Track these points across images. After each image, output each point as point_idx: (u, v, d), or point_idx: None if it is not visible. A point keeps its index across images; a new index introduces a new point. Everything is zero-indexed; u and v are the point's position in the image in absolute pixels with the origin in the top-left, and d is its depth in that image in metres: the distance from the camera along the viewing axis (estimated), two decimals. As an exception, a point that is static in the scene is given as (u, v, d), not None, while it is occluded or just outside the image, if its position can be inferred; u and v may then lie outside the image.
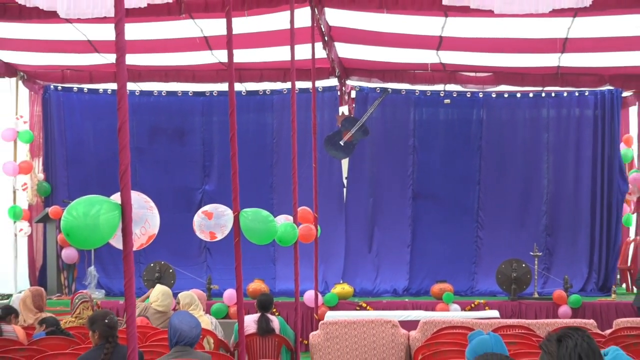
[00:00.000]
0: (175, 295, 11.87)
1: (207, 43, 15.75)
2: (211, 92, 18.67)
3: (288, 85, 15.18)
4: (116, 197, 4.98)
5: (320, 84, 17.18)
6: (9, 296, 16.38)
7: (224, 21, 8.97)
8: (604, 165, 18.36)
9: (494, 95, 18.74)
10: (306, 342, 12.71)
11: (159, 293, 11.29)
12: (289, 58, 12.04)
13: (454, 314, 14.82)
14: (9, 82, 18.28)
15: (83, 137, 18.84)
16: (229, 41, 8.94)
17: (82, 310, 10.95)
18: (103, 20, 12.71)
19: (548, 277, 17.78)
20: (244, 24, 13.71)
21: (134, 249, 5.04)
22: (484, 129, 18.64)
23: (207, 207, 9.18)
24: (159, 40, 15.57)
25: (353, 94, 18.63)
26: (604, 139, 18.35)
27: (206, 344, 9.69)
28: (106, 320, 7.34)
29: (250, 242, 9.04)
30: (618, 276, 18.43)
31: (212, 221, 9.05)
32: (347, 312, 15.21)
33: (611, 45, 15.90)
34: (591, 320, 12.59)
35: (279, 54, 15.39)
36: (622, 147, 18.13)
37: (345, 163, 18.59)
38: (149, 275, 16.71)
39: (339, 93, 18.45)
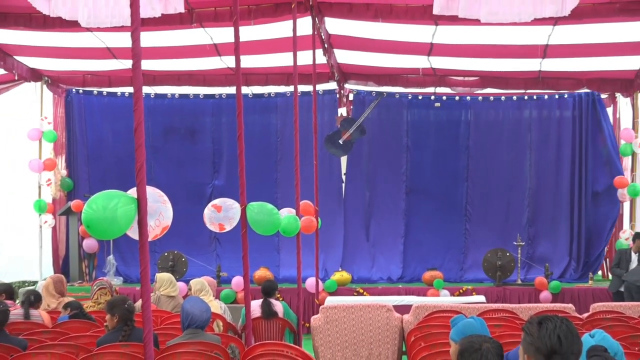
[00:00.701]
0: (187, 282, 11.88)
1: (216, 50, 15.72)
2: (220, 94, 18.67)
3: (291, 88, 15.20)
4: (133, 192, 4.99)
5: (321, 87, 17.18)
6: (34, 283, 16.41)
7: (232, 29, 9.00)
8: (582, 162, 18.39)
9: (480, 98, 18.74)
10: (308, 325, 12.70)
11: (163, 280, 11.29)
12: (291, 63, 12.06)
13: (444, 299, 14.82)
14: (35, 86, 18.33)
15: (102, 136, 18.85)
16: (237, 48, 8.96)
17: (100, 296, 10.99)
18: (120, 29, 12.71)
19: (530, 265, 17.80)
20: (250, 32, 13.70)
21: (149, 239, 5.06)
22: (472, 130, 18.66)
23: (217, 201, 9.19)
24: (172, 47, 15.55)
25: (351, 97, 18.62)
26: (582, 138, 18.39)
27: (216, 327, 9.70)
28: (126, 305, 7.37)
29: (256, 232, 9.07)
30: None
31: (221, 214, 9.07)
32: (345, 297, 15.21)
33: (588, 51, 15.90)
34: (570, 305, 12.58)
35: (282, 59, 15.37)
36: (622, 142, 18.11)
37: (344, 160, 18.59)
38: (163, 264, 16.75)
39: (337, 96, 18.44)
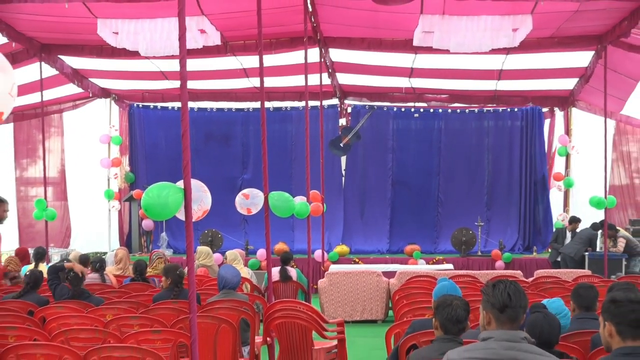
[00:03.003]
0: (223, 253, 11.89)
1: (245, 73, 15.71)
2: (248, 108, 18.61)
3: (303, 103, 15.21)
4: (180, 183, 4.99)
5: (326, 102, 17.12)
6: (104, 253, 16.45)
7: (257, 57, 8.98)
8: (527, 161, 18.40)
9: (449, 111, 18.68)
10: (315, 286, 12.72)
11: (202, 253, 11.32)
12: (303, 83, 12.03)
13: (421, 267, 14.81)
14: (105, 101, 18.42)
15: (157, 141, 18.84)
16: (261, 72, 8.95)
17: (157, 264, 11.03)
18: (171, 57, 12.74)
19: (487, 240, 17.77)
20: (271, 59, 13.67)
21: (193, 220, 5.05)
22: (443, 135, 18.59)
23: (245, 190, 9.20)
24: (210, 71, 15.52)
25: (349, 110, 18.58)
26: (527, 142, 18.41)
27: (245, 288, 9.73)
28: (177, 272, 7.40)
29: (276, 215, 9.06)
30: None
31: (249, 200, 9.07)
32: (345, 265, 15.21)
33: (533, 75, 15.88)
34: (518, 271, 12.62)
35: (296, 81, 15.35)
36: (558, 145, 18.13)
37: (343, 159, 18.57)
38: (204, 239, 16.79)
39: (339, 109, 18.38)
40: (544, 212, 18.29)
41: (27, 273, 7.71)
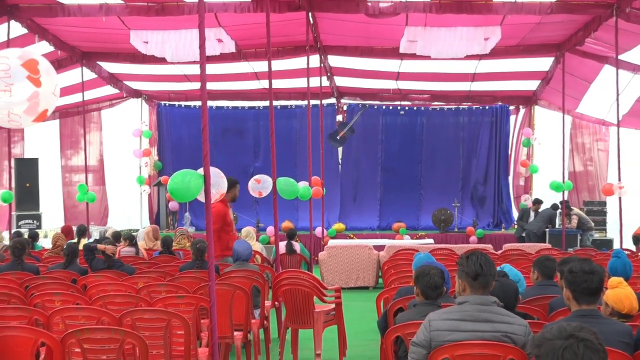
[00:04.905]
0: (238, 230, 11.86)
1: (256, 76, 15.69)
2: (259, 106, 18.56)
3: (305, 102, 15.13)
4: (201, 171, 4.97)
5: (325, 101, 17.07)
6: (136, 230, 16.48)
7: (266, 63, 8.95)
8: (496, 151, 18.40)
9: (430, 108, 18.64)
10: (317, 258, 12.72)
11: None
12: (306, 85, 12.04)
13: (406, 242, 14.80)
14: (137, 100, 18.45)
15: (181, 134, 18.79)
16: (270, 75, 8.93)
17: (181, 240, 11.01)
18: (193, 62, 12.75)
19: (463, 218, 17.77)
20: (278, 64, 13.70)
21: (212, 202, 5.04)
22: (424, 130, 18.56)
23: (257, 176, 9.16)
24: (226, 74, 15.49)
25: (345, 108, 18.56)
26: (496, 135, 18.41)
27: (256, 260, 9.73)
28: (198, 246, 7.38)
29: (283, 197, 9.05)
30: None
31: (260, 185, 9.05)
32: (341, 240, 15.22)
33: (501, 77, 15.86)
34: (489, 245, 12.61)
35: (299, 83, 15.28)
36: (523, 137, 18.13)
37: (340, 150, 18.55)
38: (221, 218, 16.77)
39: (336, 107, 18.36)
40: (506, 194, 18.37)
41: (65, 246, 7.67)
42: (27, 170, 15.58)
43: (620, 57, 11.50)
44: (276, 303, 7.49)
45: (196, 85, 16.02)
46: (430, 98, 18.07)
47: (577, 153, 17.64)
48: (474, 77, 15.67)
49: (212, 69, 13.95)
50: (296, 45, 13.40)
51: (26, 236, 10.88)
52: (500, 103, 18.20)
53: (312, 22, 12.04)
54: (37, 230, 12.65)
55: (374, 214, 18.49)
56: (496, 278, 3.78)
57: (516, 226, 16.44)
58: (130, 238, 9.74)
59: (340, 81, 16.91)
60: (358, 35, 13.05)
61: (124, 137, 18.36)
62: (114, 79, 16.23)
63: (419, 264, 5.12)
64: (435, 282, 4.41)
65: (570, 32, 12.65)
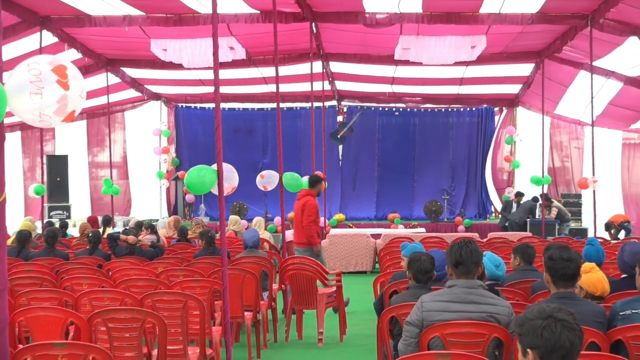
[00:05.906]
0: (249, 220, 11.86)
1: (264, 80, 15.66)
2: (267, 108, 18.48)
3: (309, 104, 15.09)
4: (214, 166, 4.97)
5: (327, 104, 17.02)
6: (156, 220, 16.48)
7: (274, 68, 8.94)
8: (482, 148, 18.32)
9: (422, 110, 18.57)
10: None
11: (232, 220, 11.28)
12: (309, 89, 12.00)
13: (400, 231, 14.75)
14: (157, 103, 18.41)
15: (197, 133, 18.74)
16: (277, 79, 8.91)
17: (196, 229, 10.99)
18: (208, 68, 12.69)
19: (452, 209, 17.74)
20: (285, 70, 13.66)
21: (224, 195, 5.04)
22: (417, 129, 18.49)
23: (264, 172, 9.19)
24: (238, 79, 15.45)
25: (345, 109, 18.52)
26: (481, 134, 18.32)
27: (265, 247, 9.74)
28: (209, 234, 7.38)
29: (289, 190, 9.05)
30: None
31: (264, 180, 9.07)
32: (342, 229, 15.17)
33: (487, 81, 15.81)
34: (475, 234, 12.61)
35: (304, 87, 15.25)
36: (507, 135, 18.09)
37: (340, 148, 18.50)
38: (233, 209, 16.79)
39: (337, 109, 18.30)
40: (485, 187, 18.37)
41: (89, 234, 7.67)
42: (57, 166, 15.70)
43: (595, 63, 11.54)
44: (283, 286, 7.49)
45: (210, 89, 16.00)
46: (422, 100, 18.01)
47: (556, 150, 17.62)
48: (461, 81, 15.62)
49: (224, 74, 13.92)
50: (301, 53, 13.36)
51: (57, 225, 10.89)
52: (485, 105, 18.12)
53: (315, 31, 12.00)
54: (66, 220, 12.69)
55: (371, 206, 18.45)
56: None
57: (500, 217, 16.42)
58: (151, 227, 9.73)
59: (341, 85, 16.87)
60: (357, 43, 13.01)
61: (145, 136, 18.35)
62: (136, 83, 16.21)
63: (409, 252, 5.13)
64: (425, 267, 4.41)
65: (549, 41, 12.61)
